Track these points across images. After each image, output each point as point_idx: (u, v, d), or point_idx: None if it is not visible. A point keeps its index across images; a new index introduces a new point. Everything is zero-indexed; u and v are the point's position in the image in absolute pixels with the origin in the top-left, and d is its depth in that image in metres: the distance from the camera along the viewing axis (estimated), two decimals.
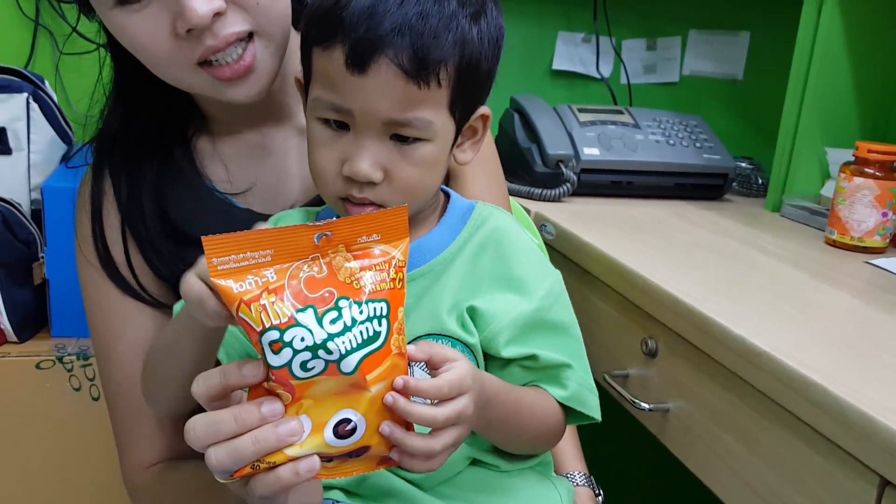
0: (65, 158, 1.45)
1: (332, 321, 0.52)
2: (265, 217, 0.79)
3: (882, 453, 0.57)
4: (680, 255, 1.01)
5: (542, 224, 1.13)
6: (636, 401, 0.87)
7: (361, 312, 0.53)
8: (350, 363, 0.52)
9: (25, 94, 1.38)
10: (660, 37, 1.62)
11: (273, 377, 0.53)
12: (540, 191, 1.23)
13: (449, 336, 0.67)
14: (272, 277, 0.52)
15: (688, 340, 0.80)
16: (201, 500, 0.78)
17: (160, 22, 0.67)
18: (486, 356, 0.69)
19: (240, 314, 0.52)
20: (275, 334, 0.51)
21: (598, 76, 1.59)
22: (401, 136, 0.63)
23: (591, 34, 1.57)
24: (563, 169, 1.23)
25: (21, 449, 1.35)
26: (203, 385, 0.54)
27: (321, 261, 0.54)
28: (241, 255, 0.52)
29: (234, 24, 0.68)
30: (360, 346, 0.52)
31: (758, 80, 1.56)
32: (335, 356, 0.52)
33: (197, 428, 0.54)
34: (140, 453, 0.82)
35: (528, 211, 1.13)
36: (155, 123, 0.80)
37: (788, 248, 1.07)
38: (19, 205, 1.34)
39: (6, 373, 1.32)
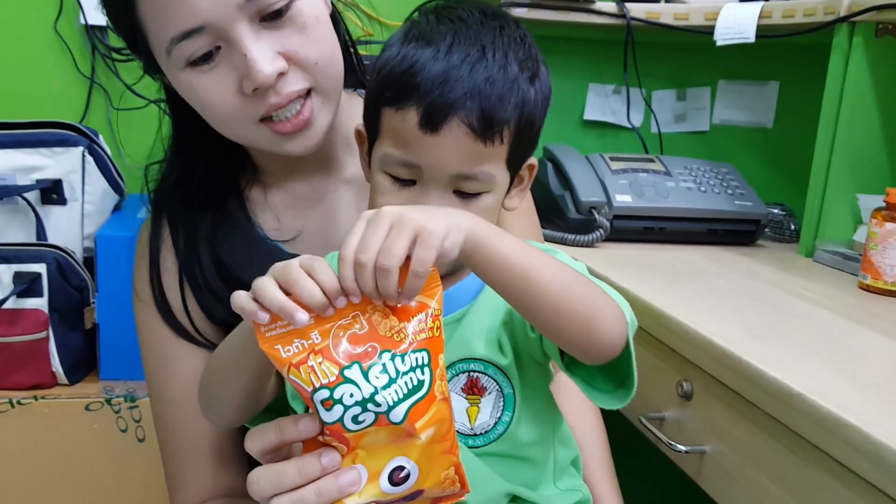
0: (116, 208, 1.52)
1: (378, 375, 0.55)
2: None
3: None
4: (713, 298, 1.03)
5: None
6: (672, 443, 0.88)
7: (404, 363, 0.56)
8: (398, 413, 0.55)
9: (81, 148, 1.45)
10: (689, 87, 1.66)
11: (327, 432, 0.56)
12: (573, 237, 1.26)
13: (479, 359, 0.70)
14: (317, 339, 0.55)
15: (723, 382, 0.82)
16: None
17: (227, 82, 0.72)
18: (532, 371, 0.71)
19: (290, 376, 0.55)
20: (325, 393, 0.54)
21: (628, 126, 1.63)
22: (462, 192, 0.67)
23: (621, 85, 1.61)
24: (596, 215, 1.26)
25: (69, 488, 1.39)
26: (259, 441, 0.57)
27: (361, 318, 0.57)
28: (285, 321, 0.55)
29: (295, 83, 0.73)
30: (406, 396, 0.55)
31: (788, 128, 1.58)
32: (384, 408, 0.55)
33: (261, 481, 0.56)
34: (191, 491, 0.85)
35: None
36: (210, 175, 0.85)
37: (822, 293, 1.08)
38: (73, 253, 1.40)
39: (57, 414, 1.37)
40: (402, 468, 0.56)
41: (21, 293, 1.35)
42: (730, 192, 1.35)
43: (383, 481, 0.56)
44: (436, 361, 0.57)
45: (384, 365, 0.55)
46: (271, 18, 0.71)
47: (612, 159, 1.36)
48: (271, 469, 0.57)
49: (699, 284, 1.09)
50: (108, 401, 1.38)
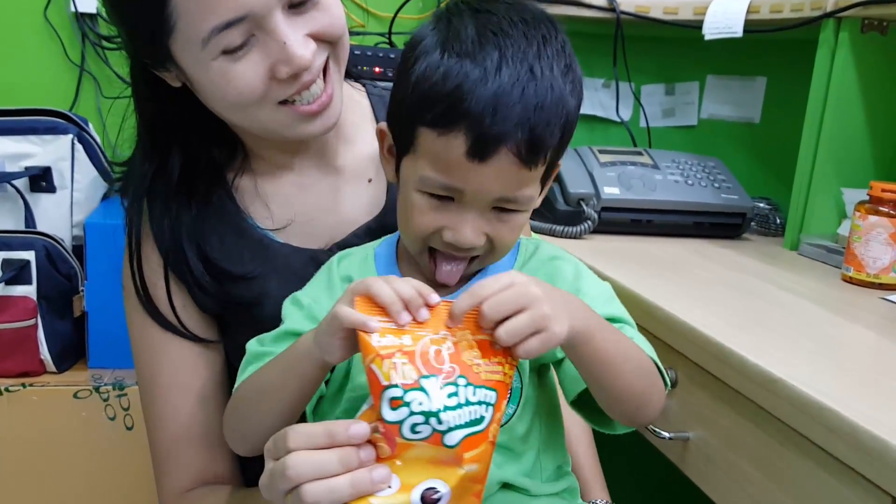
0: (105, 196, 1.52)
1: (450, 395, 0.56)
2: (306, 252, 0.83)
3: (893, 474, 0.60)
4: (699, 290, 1.04)
5: None
6: (657, 430, 0.90)
7: (475, 395, 0.57)
8: (454, 438, 0.56)
9: (71, 136, 1.45)
10: (678, 82, 1.67)
11: (382, 430, 0.57)
12: (562, 228, 1.27)
13: None
14: (407, 342, 0.57)
15: (706, 370, 0.83)
16: None
17: (259, 68, 0.73)
18: (542, 371, 0.72)
19: (372, 365, 0.56)
20: (398, 392, 0.56)
21: (618, 120, 1.64)
22: (502, 208, 0.67)
23: (610, 80, 1.62)
24: (584, 207, 1.27)
25: (58, 475, 1.39)
26: (305, 440, 0.57)
27: (450, 339, 0.58)
28: (385, 318, 0.58)
29: (321, 56, 0.76)
30: (466, 425, 0.56)
31: (775, 123, 1.59)
32: (443, 427, 0.56)
33: (300, 465, 0.56)
34: (177, 479, 0.85)
35: None
36: (190, 169, 0.84)
37: (806, 285, 1.09)
38: (62, 240, 1.40)
39: (45, 401, 1.37)
40: (435, 490, 0.57)
41: (9, 280, 1.35)
42: (716, 185, 1.36)
43: (415, 496, 0.56)
44: (499, 405, 0.58)
45: (458, 388, 0.57)
46: (300, 4, 0.73)
47: (601, 152, 1.37)
48: (312, 455, 0.56)
49: (685, 276, 1.11)
50: (97, 389, 1.38)
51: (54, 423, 1.38)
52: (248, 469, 0.88)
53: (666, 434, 0.89)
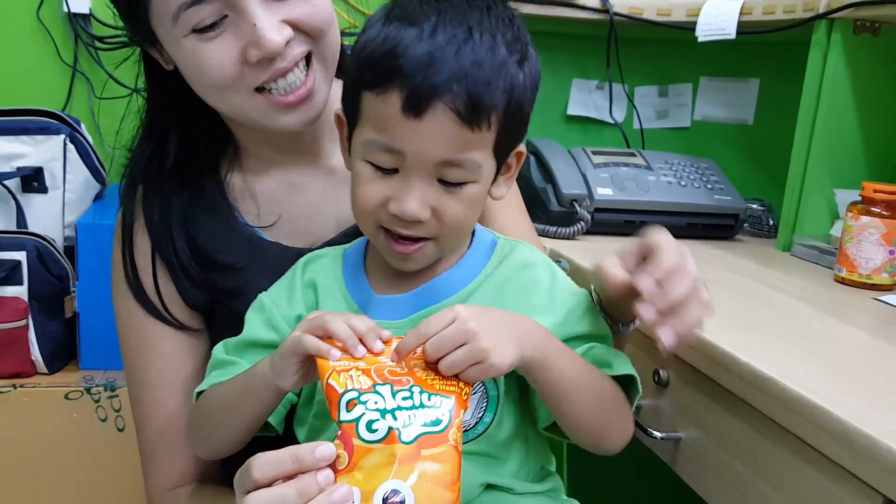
0: (98, 197, 1.52)
1: (404, 398, 0.59)
2: (294, 250, 0.83)
3: (883, 472, 0.59)
4: None
5: (557, 260, 1.16)
6: (649, 430, 0.89)
7: (430, 400, 0.59)
8: (410, 433, 0.57)
9: (63, 136, 1.45)
10: (671, 83, 1.67)
11: (339, 433, 0.58)
12: (555, 229, 1.27)
13: None
14: (362, 364, 0.61)
15: (697, 369, 0.83)
16: None
17: (230, 50, 0.72)
18: (514, 378, 0.71)
19: (329, 380, 0.59)
20: (353, 395, 0.58)
21: (611, 121, 1.64)
22: (447, 182, 0.66)
23: (604, 81, 1.63)
24: (577, 208, 1.27)
25: (49, 476, 1.39)
26: (272, 471, 0.57)
27: (403, 364, 0.62)
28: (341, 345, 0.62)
29: (298, 47, 0.74)
30: (422, 424, 0.58)
31: (768, 124, 1.59)
32: (399, 423, 0.57)
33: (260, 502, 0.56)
34: (165, 476, 0.85)
35: (544, 248, 1.17)
36: (185, 156, 0.84)
37: (798, 285, 1.09)
38: (53, 241, 1.40)
39: (36, 402, 1.36)
40: (397, 492, 0.56)
41: (1, 281, 1.34)
42: (709, 186, 1.36)
43: (377, 501, 0.56)
44: (457, 413, 0.59)
45: (412, 393, 0.59)
46: None
47: (594, 153, 1.37)
48: (272, 492, 0.56)
49: None
50: (88, 390, 1.37)
51: (46, 424, 1.37)
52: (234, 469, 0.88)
53: (658, 434, 0.88)
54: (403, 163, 0.65)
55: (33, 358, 1.38)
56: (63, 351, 1.43)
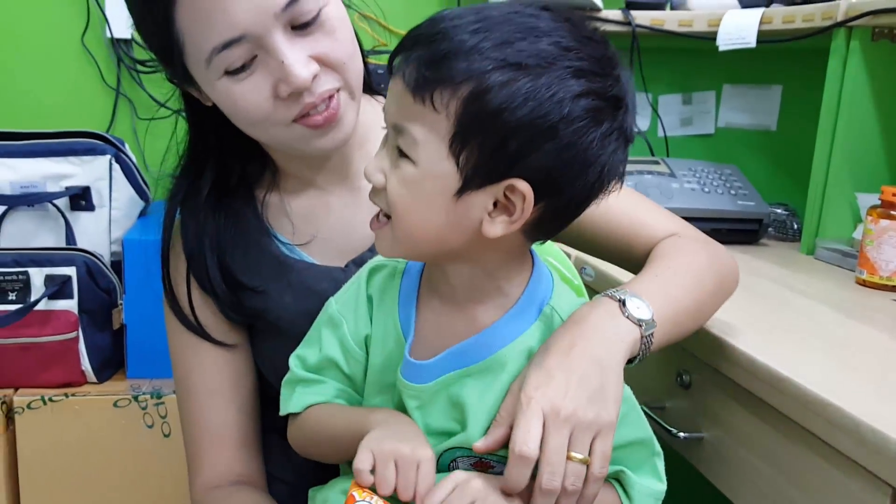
0: (142, 214, 1.59)
1: None
2: (324, 269, 0.87)
3: (893, 466, 0.62)
4: None
5: (582, 266, 1.20)
6: (672, 430, 0.92)
7: None
8: None
9: (108, 156, 1.52)
10: (695, 91, 1.70)
11: None
12: None
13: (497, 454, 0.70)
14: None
15: (719, 371, 0.86)
16: None
17: (263, 87, 0.76)
18: None
19: (352, 490, 0.65)
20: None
21: (635, 129, 1.67)
22: (400, 150, 0.64)
23: (632, 89, 1.66)
24: None
25: (99, 480, 1.45)
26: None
27: None
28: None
29: (327, 83, 0.78)
30: None
31: (791, 130, 1.61)
32: None
33: None
34: (208, 474, 0.90)
35: (568, 255, 1.20)
36: (223, 181, 0.89)
37: (820, 288, 1.11)
38: (101, 256, 1.47)
39: (86, 410, 1.43)
40: None
41: (52, 295, 1.41)
42: (732, 192, 1.39)
43: None
44: None
45: None
46: (303, 26, 0.76)
47: None
48: None
49: None
50: (136, 398, 1.44)
51: (95, 431, 1.44)
52: (273, 473, 0.93)
53: (681, 434, 0.91)
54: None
55: (83, 368, 1.45)
56: (111, 361, 1.50)
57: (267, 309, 0.87)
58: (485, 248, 0.66)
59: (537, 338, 0.69)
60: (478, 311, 0.70)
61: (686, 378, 0.94)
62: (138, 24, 0.79)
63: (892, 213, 1.09)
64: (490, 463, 0.70)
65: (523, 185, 0.61)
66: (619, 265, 0.95)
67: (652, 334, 0.70)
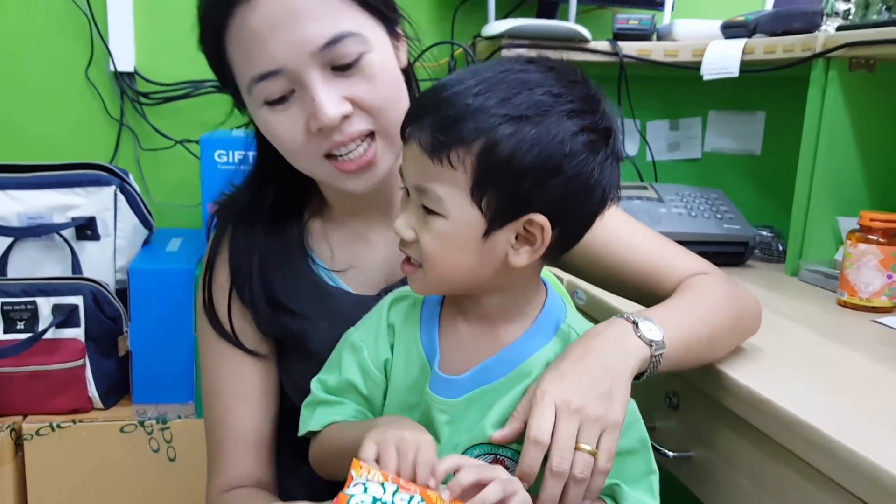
0: (146, 242, 1.62)
1: (402, 500, 0.63)
2: (357, 297, 0.91)
3: (866, 482, 0.67)
4: None
5: (574, 291, 1.24)
6: (662, 449, 0.97)
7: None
8: None
9: (113, 187, 1.55)
10: (682, 117, 1.76)
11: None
12: None
13: (511, 448, 0.74)
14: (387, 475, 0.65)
15: (705, 393, 0.90)
16: None
17: (297, 120, 0.81)
18: None
19: (352, 469, 0.65)
20: (361, 480, 0.64)
21: (624, 155, 1.73)
22: (426, 207, 0.71)
23: (616, 117, 1.71)
24: None
25: (106, 503, 1.48)
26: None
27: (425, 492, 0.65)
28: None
29: (359, 124, 0.81)
30: None
31: (775, 154, 1.67)
32: None
33: None
34: (228, 475, 0.93)
35: (560, 280, 1.24)
36: (278, 204, 0.94)
37: (802, 309, 1.16)
38: (107, 284, 1.50)
39: (93, 436, 1.46)
40: None
41: (59, 324, 1.44)
42: (718, 216, 1.44)
43: None
44: None
45: (410, 500, 0.63)
46: (342, 69, 0.80)
47: None
48: None
49: None
50: (141, 423, 1.47)
51: (102, 456, 1.46)
52: (284, 483, 0.96)
53: (670, 453, 0.95)
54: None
55: (90, 395, 1.48)
56: (117, 387, 1.53)
57: (303, 332, 0.90)
58: (510, 276, 0.73)
59: (555, 351, 0.76)
60: (501, 331, 0.76)
61: (674, 399, 0.98)
62: (200, 42, 0.85)
63: (870, 237, 1.14)
64: (505, 462, 0.75)
65: (540, 218, 0.69)
66: (643, 304, 0.95)
67: (661, 355, 0.76)
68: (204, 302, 0.94)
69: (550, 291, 0.80)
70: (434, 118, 0.68)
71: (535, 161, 0.67)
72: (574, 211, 0.71)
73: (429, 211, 0.70)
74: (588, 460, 0.68)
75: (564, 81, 0.70)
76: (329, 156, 0.83)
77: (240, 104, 0.87)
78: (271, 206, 0.93)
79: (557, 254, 0.75)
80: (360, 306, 0.86)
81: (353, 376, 0.79)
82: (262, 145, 0.91)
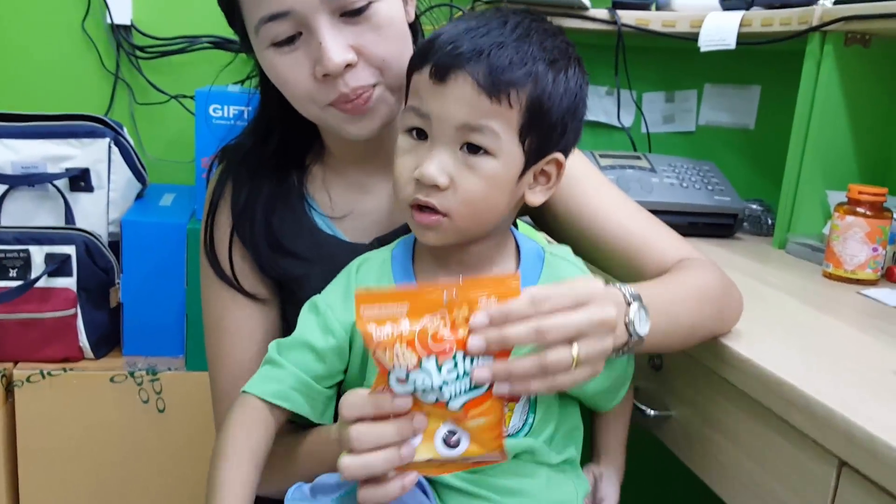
0: (139, 196, 1.63)
1: (450, 370, 0.63)
2: (350, 245, 0.92)
3: (840, 438, 0.68)
4: None
5: None
6: (643, 408, 0.99)
7: (473, 364, 0.64)
8: (457, 404, 0.65)
9: (107, 140, 1.56)
10: (677, 90, 1.76)
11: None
12: None
13: None
14: (406, 328, 0.63)
15: (689, 353, 0.92)
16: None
17: (303, 65, 0.81)
18: None
19: (376, 354, 0.64)
20: (402, 373, 0.64)
21: (619, 126, 1.73)
22: (472, 146, 0.71)
23: (613, 88, 1.71)
24: None
25: (95, 452, 1.50)
26: (353, 411, 0.65)
27: (447, 316, 0.64)
28: (384, 306, 0.64)
29: (362, 79, 0.81)
30: (467, 392, 0.64)
31: (768, 129, 1.68)
32: (446, 396, 0.64)
33: (363, 437, 0.64)
34: (230, 405, 0.94)
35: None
36: (281, 149, 0.94)
37: (788, 281, 1.18)
38: (99, 236, 1.51)
39: (83, 386, 1.48)
40: (454, 433, 0.66)
41: (52, 273, 1.45)
42: (710, 188, 1.45)
43: (438, 442, 0.65)
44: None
45: (456, 363, 0.63)
46: (350, 15, 0.79)
47: (601, 156, 1.46)
48: (374, 428, 0.64)
49: None
50: (131, 374, 1.49)
51: (92, 405, 1.48)
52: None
53: (651, 412, 0.97)
54: (431, 128, 0.72)
55: (81, 344, 1.50)
56: (108, 338, 1.55)
57: (300, 276, 0.91)
58: (508, 218, 0.78)
59: (550, 280, 0.79)
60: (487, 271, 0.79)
61: (657, 360, 1.00)
62: None
63: (858, 209, 1.15)
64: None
65: (560, 157, 0.77)
66: (625, 279, 0.95)
67: (634, 345, 0.74)
68: (205, 242, 0.94)
69: (512, 229, 0.83)
70: (492, 58, 0.70)
71: (569, 104, 0.74)
72: (574, 144, 0.78)
73: (474, 151, 0.71)
74: (568, 358, 0.64)
75: (551, 28, 0.77)
76: (332, 102, 0.83)
77: (246, 47, 0.86)
78: (274, 152, 0.94)
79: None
80: (353, 254, 0.87)
81: (309, 337, 0.79)
82: (267, 91, 0.92)
